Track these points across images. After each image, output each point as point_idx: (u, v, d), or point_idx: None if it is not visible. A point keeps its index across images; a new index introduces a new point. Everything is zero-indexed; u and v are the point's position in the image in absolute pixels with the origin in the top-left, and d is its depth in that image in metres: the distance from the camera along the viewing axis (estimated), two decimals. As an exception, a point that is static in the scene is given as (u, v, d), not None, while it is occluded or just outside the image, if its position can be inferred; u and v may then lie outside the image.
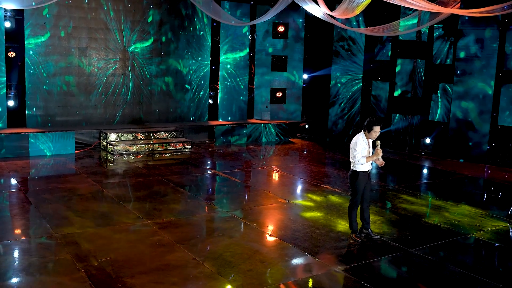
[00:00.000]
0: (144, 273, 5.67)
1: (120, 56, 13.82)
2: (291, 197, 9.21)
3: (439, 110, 14.00)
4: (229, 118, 15.65)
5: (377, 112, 15.21)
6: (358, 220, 7.15)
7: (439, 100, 13.96)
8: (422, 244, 7.05)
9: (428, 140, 14.09)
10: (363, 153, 6.86)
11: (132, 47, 13.96)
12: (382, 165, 7.06)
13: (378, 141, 6.92)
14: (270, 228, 7.43)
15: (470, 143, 13.09)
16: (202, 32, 15.12)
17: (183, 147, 13.35)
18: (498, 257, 6.79)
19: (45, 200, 8.38)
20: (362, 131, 6.96)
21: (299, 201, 8.96)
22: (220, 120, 15.57)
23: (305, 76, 16.77)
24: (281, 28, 16.08)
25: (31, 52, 12.57)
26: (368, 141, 6.95)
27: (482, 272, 6.15)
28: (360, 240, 7.01)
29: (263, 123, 15.43)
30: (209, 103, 15.96)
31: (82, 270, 5.64)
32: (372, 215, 8.16)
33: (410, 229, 7.82)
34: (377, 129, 6.77)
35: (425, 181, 11.17)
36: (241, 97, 15.87)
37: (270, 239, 6.96)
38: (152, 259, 6.07)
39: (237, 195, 9.33)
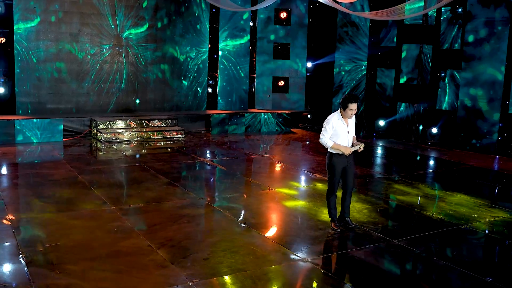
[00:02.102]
0: (90, 260, 5.20)
1: (114, 42, 13.43)
2: (276, 185, 8.63)
3: (446, 98, 13.20)
4: (229, 108, 15.13)
5: (382, 101, 14.49)
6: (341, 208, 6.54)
7: (447, 87, 13.16)
8: (408, 235, 6.40)
9: (434, 130, 13.31)
10: (337, 133, 6.24)
11: (126, 33, 13.55)
12: (360, 151, 6.41)
13: (362, 145, 6.28)
14: (244, 216, 6.88)
15: (477, 142, 12.30)
16: (200, 18, 14.63)
17: (177, 136, 12.90)
18: (490, 249, 6.11)
19: (14, 185, 8.02)
20: (339, 109, 6.36)
21: (284, 189, 8.37)
22: (219, 109, 15.07)
23: (309, 64, 16.12)
24: (283, 14, 15.47)
25: (20, 38, 12.27)
26: (347, 122, 6.33)
27: (470, 265, 5.50)
28: (339, 230, 6.41)
29: (262, 112, 14.86)
30: (208, 92, 15.48)
31: (23, 256, 5.20)
32: (359, 204, 7.58)
33: (399, 219, 7.19)
34: (352, 107, 6.14)
35: (426, 171, 10.44)
36: (242, 86, 15.33)
37: (240, 227, 6.42)
38: (104, 246, 5.59)
39: (218, 182, 8.81)
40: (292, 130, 15.19)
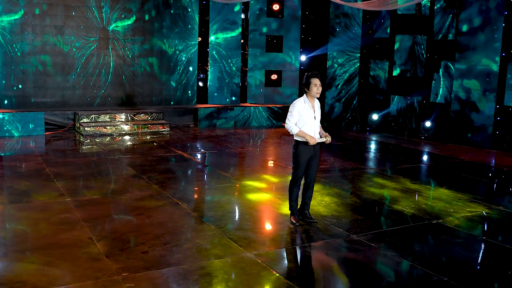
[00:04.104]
0: (21, 252, 4.97)
1: (100, 35, 13.24)
2: (247, 178, 8.32)
3: (440, 90, 12.71)
4: (220, 102, 14.83)
5: (376, 94, 14.05)
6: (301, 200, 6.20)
7: (441, 79, 12.67)
8: (372, 229, 6.04)
9: (428, 124, 12.82)
10: (303, 118, 5.89)
11: (113, 25, 13.35)
12: (328, 143, 6.06)
13: (329, 137, 5.93)
14: (201, 208, 6.59)
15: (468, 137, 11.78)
16: (189, 10, 14.36)
17: (162, 130, 12.66)
18: (454, 246, 5.69)
19: (-23, 177, 7.86)
20: (304, 94, 6.02)
21: (254, 182, 8.05)
22: (210, 103, 14.79)
23: (302, 57, 15.74)
24: (276, 6, 15.12)
25: (4, 31, 12.15)
26: (313, 107, 5.97)
27: (428, 263, 5.12)
28: (298, 224, 6.07)
29: (252, 106, 14.54)
30: (199, 86, 15.22)
31: (-47, 247, 5.00)
32: (329, 197, 7.24)
33: (367, 213, 6.80)
34: (316, 82, 5.81)
35: (411, 165, 9.97)
36: (234, 80, 15.02)
37: (194, 220, 6.12)
38: (42, 238, 5.35)
39: (187, 175, 8.51)
40: (284, 124, 14.81)
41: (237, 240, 5.46)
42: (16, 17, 12.25)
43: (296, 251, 5.31)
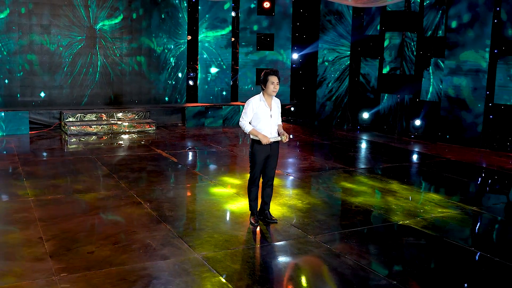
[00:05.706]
0: (-34, 252, 4.93)
1: (87, 34, 13.21)
2: (219, 177, 8.20)
3: (430, 88, 12.47)
4: (211, 101, 14.71)
5: (367, 92, 13.85)
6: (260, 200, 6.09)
7: (431, 77, 12.42)
8: (333, 230, 5.90)
9: (418, 122, 12.59)
10: (258, 117, 5.77)
11: (100, 24, 13.31)
12: (285, 141, 5.92)
13: (286, 135, 5.78)
14: (162, 208, 6.47)
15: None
16: (178, 9, 14.27)
17: (149, 129, 12.60)
18: (416, 249, 5.54)
19: None
20: (261, 91, 5.91)
21: (225, 182, 7.94)
22: (199, 102, 14.70)
23: (295, 55, 15.58)
24: (267, 4, 14.97)
25: (-10, 30, 12.20)
26: (270, 105, 5.84)
27: (382, 265, 4.97)
28: (256, 224, 5.96)
29: (242, 105, 14.42)
30: (189, 85, 15.12)
31: None
32: (297, 197, 7.13)
33: (332, 214, 6.66)
34: (273, 79, 5.70)
35: (393, 164, 9.75)
36: (224, 78, 14.91)
37: (151, 219, 6.01)
38: (-8, 237, 5.32)
39: (160, 174, 8.40)
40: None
41: (189, 241, 5.36)
42: (2, 16, 12.26)
43: (246, 253, 5.18)
